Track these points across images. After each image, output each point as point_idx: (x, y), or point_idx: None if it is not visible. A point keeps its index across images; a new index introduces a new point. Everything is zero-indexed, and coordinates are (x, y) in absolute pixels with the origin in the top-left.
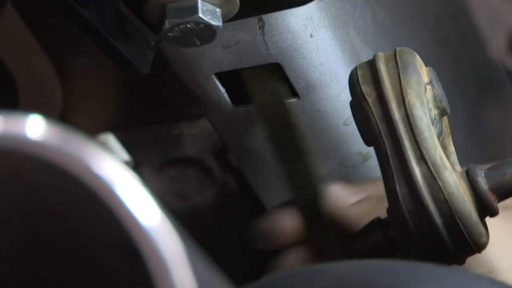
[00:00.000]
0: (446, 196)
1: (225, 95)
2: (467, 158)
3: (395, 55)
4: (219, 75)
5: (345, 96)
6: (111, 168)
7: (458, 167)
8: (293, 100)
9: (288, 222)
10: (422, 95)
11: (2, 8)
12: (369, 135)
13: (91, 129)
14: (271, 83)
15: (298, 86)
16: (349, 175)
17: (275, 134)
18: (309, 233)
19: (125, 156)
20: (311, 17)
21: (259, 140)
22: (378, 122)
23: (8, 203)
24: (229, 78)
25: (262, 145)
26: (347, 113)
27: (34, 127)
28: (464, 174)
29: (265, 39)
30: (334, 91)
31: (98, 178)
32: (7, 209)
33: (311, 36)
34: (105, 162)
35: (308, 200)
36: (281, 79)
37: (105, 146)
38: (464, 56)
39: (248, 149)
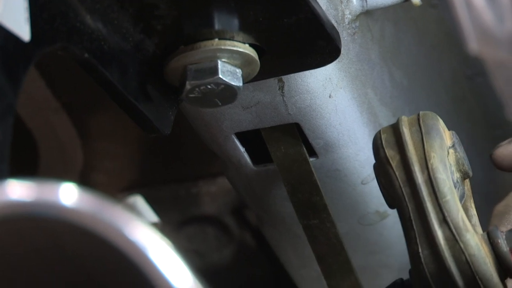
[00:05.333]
0: (468, 258)
1: (245, 154)
2: (483, 219)
3: (418, 119)
4: (239, 135)
5: (363, 156)
6: (145, 234)
7: (479, 229)
8: (311, 159)
9: None
10: (445, 159)
11: (26, 69)
12: (392, 198)
13: (111, 188)
14: (289, 143)
15: (316, 145)
16: (366, 233)
17: (293, 192)
18: None
19: (154, 217)
20: (330, 78)
21: (278, 199)
22: (402, 185)
23: (47, 269)
24: (249, 137)
25: (281, 204)
26: (365, 172)
27: (68, 194)
28: (486, 236)
29: (285, 99)
30: (352, 150)
31: (132, 244)
32: (46, 276)
33: (330, 96)
34: (139, 228)
35: (326, 254)
36: (299, 139)
37: (134, 209)
38: (480, 116)
39: (267, 208)
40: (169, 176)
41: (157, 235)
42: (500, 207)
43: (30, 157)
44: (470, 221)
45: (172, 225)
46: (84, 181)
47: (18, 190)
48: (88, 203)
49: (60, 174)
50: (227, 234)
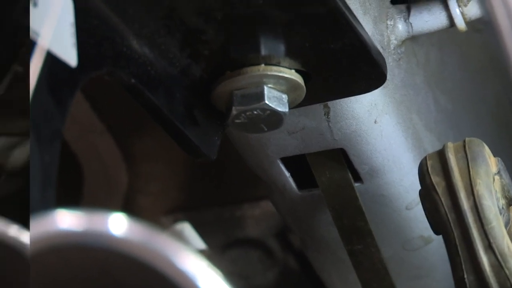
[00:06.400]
0: None
1: (290, 179)
2: None
3: (464, 146)
4: (284, 159)
5: (408, 181)
6: (194, 263)
7: None
8: (356, 184)
9: None
10: (490, 185)
11: (73, 94)
12: (438, 224)
13: (155, 210)
14: (334, 168)
15: (361, 171)
16: (411, 258)
17: (338, 217)
18: None
19: (201, 245)
20: (375, 104)
21: (322, 223)
22: (447, 211)
23: None
24: (294, 162)
25: (325, 229)
26: (410, 197)
27: (117, 224)
28: None
29: (330, 125)
30: (397, 176)
31: (181, 273)
32: None
33: (375, 122)
34: (188, 257)
35: (371, 279)
36: (344, 164)
37: (182, 237)
38: None
39: (311, 232)
40: (213, 199)
41: (205, 264)
42: None
43: (75, 180)
44: None
45: (216, 248)
46: (129, 204)
47: (68, 220)
48: (137, 233)
49: (104, 197)
50: (271, 257)
